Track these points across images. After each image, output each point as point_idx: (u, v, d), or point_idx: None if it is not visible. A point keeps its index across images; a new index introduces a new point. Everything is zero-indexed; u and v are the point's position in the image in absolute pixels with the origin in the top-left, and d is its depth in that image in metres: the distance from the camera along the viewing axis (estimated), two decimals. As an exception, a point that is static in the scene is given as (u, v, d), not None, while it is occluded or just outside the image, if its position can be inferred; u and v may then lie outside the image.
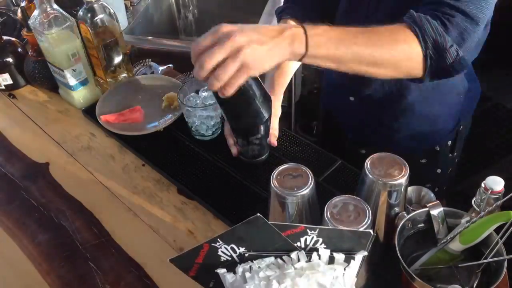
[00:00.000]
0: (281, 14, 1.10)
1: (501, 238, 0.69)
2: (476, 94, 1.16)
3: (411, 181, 0.77)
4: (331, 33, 0.75)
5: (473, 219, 0.70)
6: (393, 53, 0.78)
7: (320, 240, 0.62)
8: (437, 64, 0.79)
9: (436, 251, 0.75)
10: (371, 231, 0.63)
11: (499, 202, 0.71)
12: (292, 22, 1.05)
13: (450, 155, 1.18)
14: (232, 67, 0.69)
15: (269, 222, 0.60)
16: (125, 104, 1.22)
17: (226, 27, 0.71)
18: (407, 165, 0.76)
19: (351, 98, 1.14)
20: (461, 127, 1.16)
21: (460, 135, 1.17)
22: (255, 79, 0.80)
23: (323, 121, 1.38)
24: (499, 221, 0.67)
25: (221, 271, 0.63)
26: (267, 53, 0.71)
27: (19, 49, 1.35)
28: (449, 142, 1.16)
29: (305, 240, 0.62)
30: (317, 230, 0.61)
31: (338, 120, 1.25)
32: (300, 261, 0.63)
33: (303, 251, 0.64)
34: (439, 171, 1.20)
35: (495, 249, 0.69)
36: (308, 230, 0.61)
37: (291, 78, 1.31)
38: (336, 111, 1.25)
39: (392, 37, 0.78)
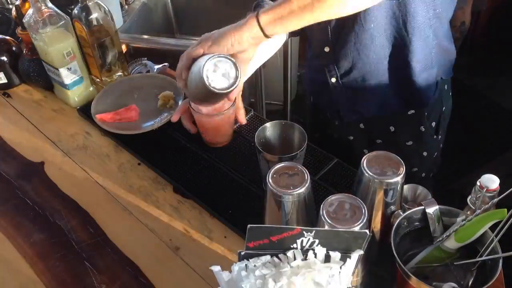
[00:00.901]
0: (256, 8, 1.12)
1: (496, 236, 0.69)
2: (451, 54, 1.16)
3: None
4: (277, 10, 0.87)
5: (469, 217, 0.70)
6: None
7: (317, 241, 0.62)
8: None
9: (432, 249, 0.75)
10: (367, 231, 0.63)
11: (494, 200, 0.72)
12: None
13: (435, 136, 1.22)
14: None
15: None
16: (120, 102, 1.21)
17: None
18: (404, 164, 0.76)
19: (332, 80, 1.15)
20: (443, 108, 1.20)
21: (443, 116, 1.21)
22: None
23: (311, 115, 1.39)
24: (494, 219, 0.67)
25: (216, 268, 0.63)
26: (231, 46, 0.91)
27: (14, 48, 1.34)
28: (433, 123, 1.19)
29: (302, 241, 0.62)
30: (313, 231, 0.61)
31: (323, 110, 1.27)
32: (296, 259, 0.63)
33: (299, 249, 0.64)
34: (425, 154, 1.23)
35: (491, 247, 0.70)
36: (304, 232, 0.61)
37: (288, 77, 1.31)
38: (321, 99, 1.26)
39: None
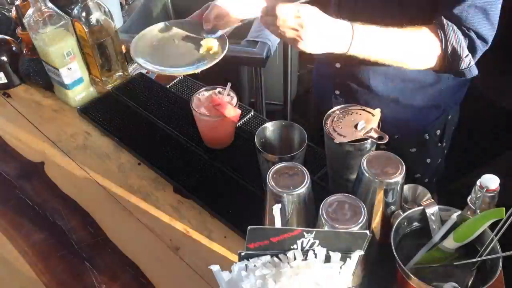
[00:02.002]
0: None
1: (496, 235, 0.69)
2: (462, 85, 1.18)
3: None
4: (371, 39, 0.91)
5: (464, 216, 0.71)
6: (417, 56, 0.96)
7: (317, 242, 0.62)
8: (451, 66, 0.96)
9: (429, 248, 0.75)
10: (367, 232, 0.63)
11: (494, 200, 0.72)
12: None
13: (439, 144, 1.23)
14: (291, 34, 0.86)
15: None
16: (160, 47, 1.14)
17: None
18: (403, 164, 0.76)
19: (336, 92, 1.18)
20: (449, 116, 1.20)
21: (448, 125, 1.21)
22: None
23: (314, 119, 1.40)
24: (493, 218, 0.67)
25: (215, 268, 0.63)
26: (319, 43, 0.88)
27: (14, 48, 1.34)
28: (438, 132, 1.20)
29: (302, 242, 0.62)
30: (314, 232, 0.61)
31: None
32: (296, 259, 0.63)
33: (299, 249, 0.64)
34: (428, 160, 1.24)
35: (490, 247, 0.70)
36: (304, 233, 0.61)
37: (288, 77, 1.31)
38: (323, 105, 1.27)
39: (418, 43, 0.94)
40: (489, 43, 0.95)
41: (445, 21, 0.92)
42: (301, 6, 0.86)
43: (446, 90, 1.13)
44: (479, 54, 0.95)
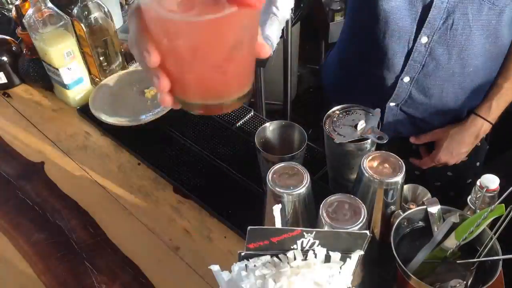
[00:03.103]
0: None
1: (494, 234, 0.69)
2: None
3: (455, 180, 0.80)
4: (501, 107, 1.10)
5: (464, 215, 0.71)
6: None
7: (317, 242, 0.62)
8: None
9: (430, 248, 0.75)
10: (367, 232, 0.63)
11: (494, 200, 0.72)
12: None
13: (486, 146, 1.27)
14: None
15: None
16: (119, 95, 1.21)
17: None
18: (403, 163, 0.76)
19: (391, 104, 1.13)
20: None
21: None
22: None
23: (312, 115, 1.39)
24: (493, 215, 0.67)
25: (215, 268, 0.63)
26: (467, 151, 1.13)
27: (14, 48, 1.34)
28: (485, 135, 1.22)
29: (302, 242, 0.62)
30: (314, 232, 0.61)
31: None
32: (296, 259, 0.63)
33: (299, 249, 0.64)
34: (478, 164, 1.26)
35: (489, 246, 0.70)
36: (304, 233, 0.61)
37: (288, 77, 1.31)
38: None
39: None
40: None
41: None
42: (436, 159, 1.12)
43: None
44: None
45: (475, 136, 1.11)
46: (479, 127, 1.10)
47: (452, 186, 0.93)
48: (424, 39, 0.98)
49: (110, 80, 1.25)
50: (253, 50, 0.49)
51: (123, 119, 1.16)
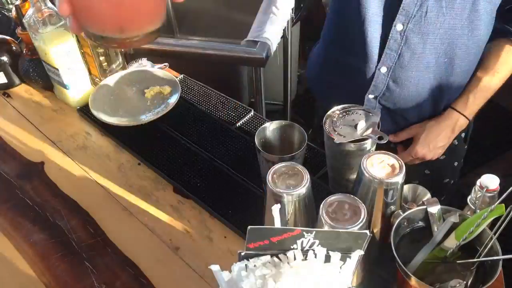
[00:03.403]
0: None
1: (494, 234, 0.69)
2: None
3: (433, 179, 0.80)
4: (480, 100, 1.09)
5: (464, 215, 0.71)
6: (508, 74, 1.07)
7: (317, 242, 0.62)
8: None
9: (430, 248, 0.75)
10: (367, 231, 0.63)
11: (494, 200, 0.72)
12: None
13: (465, 146, 1.27)
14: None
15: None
16: (119, 95, 1.21)
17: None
18: (403, 163, 0.76)
19: (370, 96, 1.13)
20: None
21: (471, 125, 1.23)
22: None
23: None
24: (493, 215, 0.67)
25: (215, 268, 0.63)
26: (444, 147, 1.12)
27: (14, 48, 1.34)
28: (463, 134, 1.22)
29: (302, 242, 0.62)
30: (314, 232, 0.61)
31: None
32: (296, 259, 0.63)
33: (299, 249, 0.64)
34: (455, 164, 1.26)
35: (489, 246, 0.70)
36: (304, 233, 0.61)
37: (288, 77, 1.29)
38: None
39: (506, 66, 1.06)
40: None
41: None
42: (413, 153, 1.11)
43: None
44: None
45: (451, 129, 1.10)
46: (455, 121, 1.09)
47: (429, 185, 0.91)
48: (399, 27, 0.98)
49: (110, 80, 1.25)
50: None
51: (123, 119, 1.16)
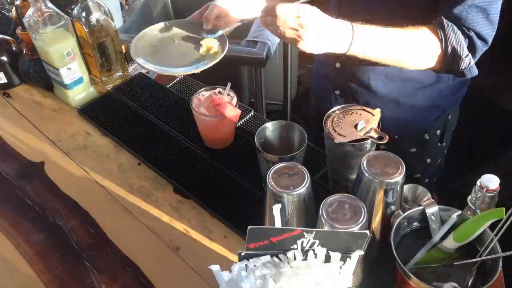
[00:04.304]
0: None
1: (495, 235, 0.69)
2: (462, 85, 1.17)
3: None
4: (371, 39, 0.90)
5: (464, 215, 0.71)
6: (417, 56, 0.95)
7: (317, 242, 0.62)
8: (451, 67, 0.95)
9: (429, 248, 0.75)
10: (367, 232, 0.63)
11: (494, 200, 0.72)
12: None
13: (439, 144, 1.22)
14: (291, 34, 0.85)
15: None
16: (160, 47, 1.14)
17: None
18: (403, 164, 0.76)
19: (336, 92, 1.18)
20: (449, 116, 1.20)
21: (448, 125, 1.21)
22: None
23: (314, 120, 1.40)
24: (493, 218, 0.67)
25: (215, 268, 0.63)
26: (319, 43, 0.86)
27: (14, 48, 1.34)
28: (438, 132, 1.20)
29: (302, 242, 0.62)
30: (314, 232, 0.61)
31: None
32: (296, 259, 0.63)
33: (299, 249, 0.64)
34: (428, 160, 1.23)
35: (490, 247, 0.70)
36: (304, 233, 0.61)
37: (288, 77, 1.29)
38: (323, 106, 1.27)
39: (418, 43, 0.93)
40: (489, 43, 0.95)
41: (445, 21, 0.92)
42: (301, 6, 0.85)
43: (446, 90, 1.13)
44: (479, 54, 0.95)
45: (332, 26, 0.87)
46: (341, 25, 0.88)
47: None
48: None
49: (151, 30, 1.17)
50: (233, 125, 1.11)
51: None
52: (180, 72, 1.11)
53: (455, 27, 0.92)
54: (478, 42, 0.93)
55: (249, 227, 0.60)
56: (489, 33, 0.93)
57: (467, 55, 0.93)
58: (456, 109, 1.23)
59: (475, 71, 0.97)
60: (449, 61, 0.94)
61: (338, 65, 1.13)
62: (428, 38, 0.93)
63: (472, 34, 0.92)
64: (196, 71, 1.07)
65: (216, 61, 1.07)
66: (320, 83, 1.26)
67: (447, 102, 1.17)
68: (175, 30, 1.17)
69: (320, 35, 0.86)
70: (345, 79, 1.14)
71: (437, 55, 0.94)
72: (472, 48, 0.93)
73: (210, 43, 1.11)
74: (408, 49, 0.93)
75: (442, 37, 0.92)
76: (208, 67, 1.07)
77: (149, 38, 1.15)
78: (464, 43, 0.92)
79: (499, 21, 0.95)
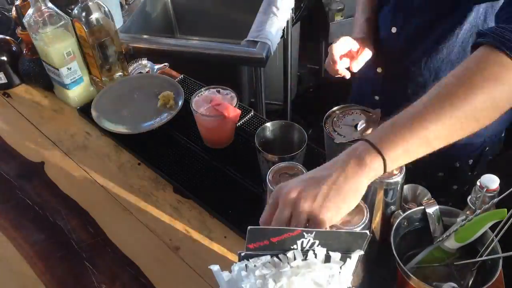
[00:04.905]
0: None
1: (496, 236, 0.69)
2: (510, 116, 1.05)
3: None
4: (406, 145, 0.62)
5: (469, 217, 0.70)
6: (477, 105, 0.62)
7: (317, 242, 0.62)
8: None
9: (431, 249, 0.75)
10: (367, 232, 0.62)
11: (494, 200, 0.72)
12: None
13: (470, 173, 1.11)
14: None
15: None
16: (120, 103, 1.21)
17: (287, 195, 0.63)
18: (403, 164, 0.76)
19: (376, 98, 1.14)
20: (487, 148, 1.09)
21: (484, 155, 1.10)
22: None
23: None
24: (494, 219, 0.67)
25: (215, 268, 0.63)
26: (341, 205, 0.63)
27: (14, 48, 1.34)
28: (471, 161, 1.09)
29: (302, 243, 0.62)
30: (314, 233, 0.61)
31: None
32: (296, 260, 0.63)
33: (299, 249, 0.64)
34: (455, 187, 1.13)
35: (491, 247, 0.70)
36: (304, 233, 0.61)
37: (288, 77, 1.28)
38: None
39: (469, 88, 0.62)
40: None
41: (498, 30, 0.65)
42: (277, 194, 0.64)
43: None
44: None
45: (342, 162, 0.64)
46: (354, 150, 0.64)
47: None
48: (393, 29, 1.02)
49: (114, 85, 1.26)
50: (234, 125, 1.11)
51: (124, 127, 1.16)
52: (139, 130, 1.15)
53: (506, 26, 0.65)
54: None
55: (249, 227, 0.60)
56: None
57: None
58: (498, 139, 1.11)
59: None
60: None
61: (379, 69, 1.08)
62: (485, 60, 0.64)
63: None
64: (155, 127, 1.14)
65: (172, 115, 1.15)
66: (361, 87, 1.20)
67: (490, 132, 1.04)
68: (135, 84, 1.27)
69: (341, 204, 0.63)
70: (386, 84, 1.09)
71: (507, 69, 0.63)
72: None
73: (166, 97, 1.20)
74: (461, 109, 0.62)
75: (508, 52, 0.62)
76: (166, 121, 1.15)
77: (109, 96, 1.23)
78: None
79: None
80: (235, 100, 1.07)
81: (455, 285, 0.69)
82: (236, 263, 0.63)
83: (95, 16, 1.16)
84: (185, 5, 2.10)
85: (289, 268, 0.62)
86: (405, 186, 0.82)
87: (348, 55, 1.03)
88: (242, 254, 0.63)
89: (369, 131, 0.84)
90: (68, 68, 1.20)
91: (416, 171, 0.70)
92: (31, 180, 1.09)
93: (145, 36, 1.73)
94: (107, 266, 0.91)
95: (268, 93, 2.04)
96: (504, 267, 0.68)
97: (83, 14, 1.15)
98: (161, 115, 1.18)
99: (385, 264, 0.78)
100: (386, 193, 0.76)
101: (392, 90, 1.10)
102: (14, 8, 1.25)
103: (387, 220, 0.79)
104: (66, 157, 1.14)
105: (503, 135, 1.12)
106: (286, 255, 0.63)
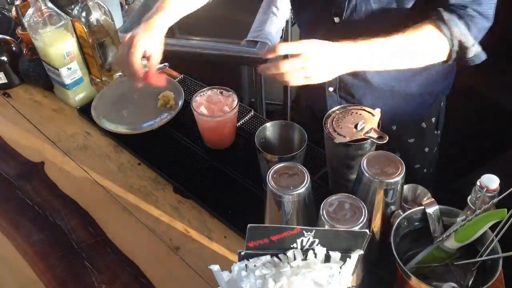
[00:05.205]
0: None
1: (496, 236, 0.69)
2: (451, 70, 1.19)
3: (406, 165, 0.79)
4: (379, 51, 0.90)
5: (469, 217, 0.70)
6: (429, 57, 0.95)
7: (317, 241, 0.62)
8: (460, 57, 0.95)
9: (432, 249, 0.75)
10: (367, 231, 0.63)
11: (494, 200, 0.72)
12: None
13: (435, 132, 1.25)
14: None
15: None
16: (120, 103, 1.21)
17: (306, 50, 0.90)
18: (403, 164, 0.76)
19: (330, 89, 1.17)
20: (442, 103, 1.23)
21: (441, 112, 1.25)
22: None
23: (307, 118, 1.40)
24: (494, 219, 0.67)
25: (215, 268, 0.63)
26: (329, 72, 0.88)
27: (14, 48, 1.34)
28: (433, 119, 1.22)
29: (302, 241, 0.62)
30: (313, 231, 0.61)
31: (317, 115, 1.27)
32: (296, 259, 0.63)
33: (299, 249, 0.64)
34: (426, 149, 1.25)
35: (491, 247, 0.70)
36: (304, 232, 0.61)
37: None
38: (317, 106, 1.26)
39: (427, 44, 0.93)
40: (492, 20, 0.94)
41: (445, 14, 0.91)
42: (298, 44, 0.92)
43: (437, 75, 1.14)
44: (483, 33, 0.94)
45: (337, 51, 0.88)
46: (346, 47, 0.88)
47: None
48: (336, 19, 1.02)
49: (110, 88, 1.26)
50: (234, 125, 1.11)
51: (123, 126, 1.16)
52: (139, 131, 1.15)
53: (455, 19, 0.91)
54: (479, 22, 0.92)
55: (249, 225, 0.60)
56: (491, 8, 0.92)
57: (473, 44, 0.92)
58: (445, 96, 1.25)
59: (483, 56, 0.96)
60: (458, 53, 0.94)
61: None
62: (435, 37, 0.92)
63: (473, 13, 0.91)
64: (155, 127, 1.14)
65: (173, 115, 1.15)
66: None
67: (439, 88, 1.19)
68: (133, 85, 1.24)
69: (327, 64, 0.87)
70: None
71: (446, 50, 0.94)
72: (476, 31, 0.92)
73: (166, 97, 1.20)
74: (419, 53, 0.94)
75: (447, 33, 0.91)
76: (167, 121, 1.15)
77: (109, 96, 1.23)
78: (468, 33, 0.92)
79: (498, 21, 0.95)
80: (235, 101, 1.07)
81: (455, 285, 0.69)
82: (236, 263, 0.63)
83: (95, 16, 1.16)
84: (185, 5, 2.10)
85: (289, 268, 0.62)
86: (405, 186, 0.82)
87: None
88: (242, 253, 0.63)
89: (369, 131, 0.84)
90: (68, 68, 1.20)
91: (390, 140, 0.82)
92: (31, 180, 1.09)
93: (145, 36, 1.72)
94: (107, 266, 0.91)
95: (268, 93, 2.05)
96: (504, 267, 0.68)
97: (83, 14, 1.15)
98: (161, 115, 1.18)
99: (385, 264, 0.78)
100: (386, 193, 0.76)
101: (346, 77, 1.13)
102: (14, 8, 1.25)
103: (387, 220, 0.79)
104: (66, 157, 1.14)
105: (450, 88, 1.25)
106: (286, 254, 0.63)
